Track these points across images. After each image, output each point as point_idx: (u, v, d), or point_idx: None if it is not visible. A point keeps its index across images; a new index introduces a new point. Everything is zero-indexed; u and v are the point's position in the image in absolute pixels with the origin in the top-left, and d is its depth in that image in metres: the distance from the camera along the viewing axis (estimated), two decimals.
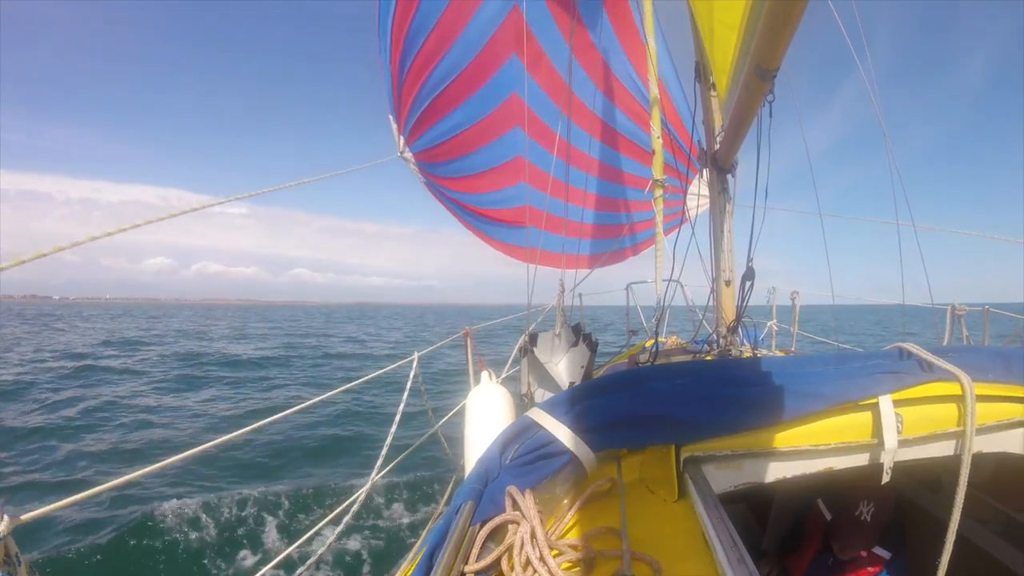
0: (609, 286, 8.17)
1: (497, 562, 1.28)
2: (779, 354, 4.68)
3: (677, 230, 6.48)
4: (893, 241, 3.90)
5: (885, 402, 1.65)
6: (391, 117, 5.45)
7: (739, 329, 3.99)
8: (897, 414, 1.66)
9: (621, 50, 6.70)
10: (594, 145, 7.18)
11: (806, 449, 1.66)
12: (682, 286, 5.79)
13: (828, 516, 2.43)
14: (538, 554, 1.24)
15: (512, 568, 1.25)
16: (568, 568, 1.28)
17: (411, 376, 3.51)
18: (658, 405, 1.70)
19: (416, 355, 3.68)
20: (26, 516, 1.27)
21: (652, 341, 5.52)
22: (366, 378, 3.32)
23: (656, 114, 6.93)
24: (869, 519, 2.23)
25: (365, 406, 10.59)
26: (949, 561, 1.65)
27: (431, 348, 4.19)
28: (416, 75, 5.26)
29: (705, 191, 5.49)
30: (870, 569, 2.23)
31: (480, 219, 7.07)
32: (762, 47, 1.75)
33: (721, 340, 3.91)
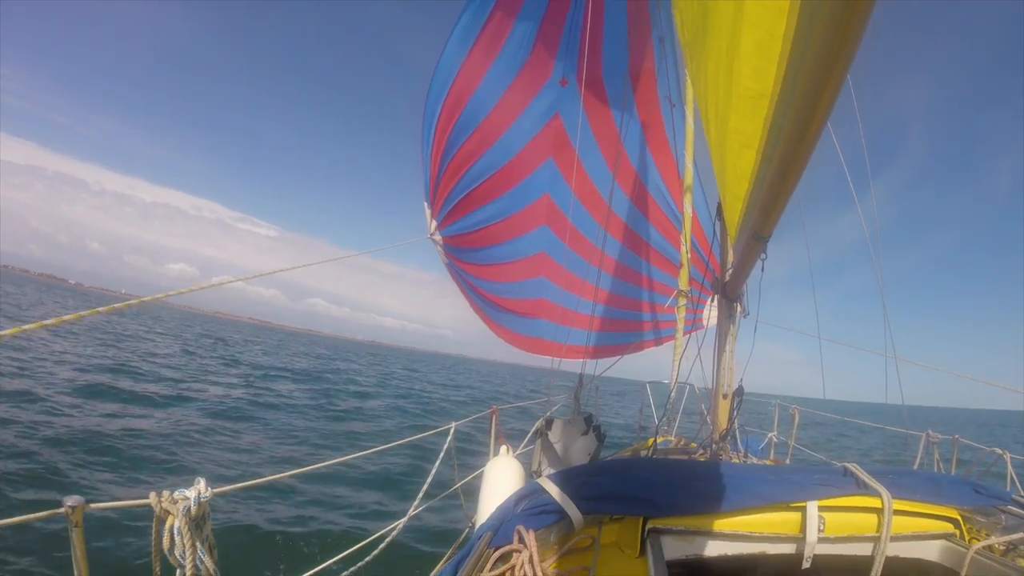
0: (622, 363, 8.70)
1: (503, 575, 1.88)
2: (768, 463, 5.20)
3: (693, 335, 6.96)
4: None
5: (812, 506, 2.17)
6: (425, 203, 6.07)
7: (731, 437, 4.63)
8: (821, 517, 2.18)
9: (656, 168, 7.40)
10: (618, 248, 7.73)
11: (744, 535, 2.18)
12: (696, 388, 6.57)
13: None
14: (533, 573, 1.84)
15: None
16: None
17: (447, 444, 4.21)
18: (634, 488, 2.24)
19: (453, 425, 4.33)
20: (220, 489, 1.78)
21: (660, 439, 6.28)
22: (405, 440, 4.14)
23: (687, 231, 7.54)
24: None
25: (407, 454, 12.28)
26: None
27: (465, 420, 4.94)
28: (456, 169, 5.91)
29: None
30: None
31: (493, 306, 7.55)
32: (758, 220, 2.23)
33: (714, 446, 4.45)
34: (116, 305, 1.95)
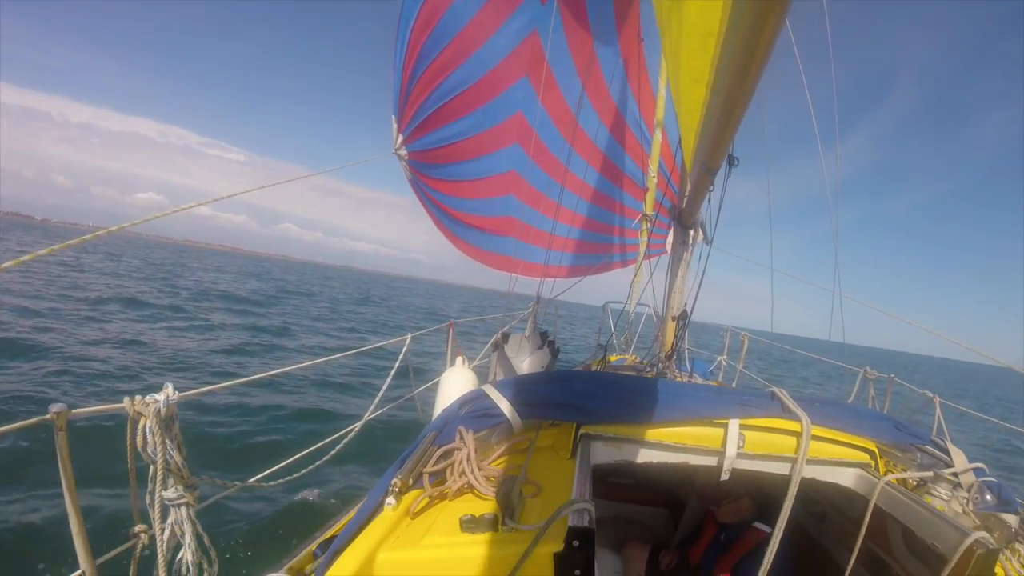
0: (590, 288, 9.06)
1: (443, 470, 2.10)
2: (713, 384, 5.56)
3: (656, 259, 7.17)
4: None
5: (733, 424, 2.38)
6: (393, 116, 5.91)
7: (677, 357, 4.95)
8: (741, 434, 2.39)
9: (632, 95, 7.33)
10: (591, 171, 7.78)
11: (669, 444, 2.40)
12: (652, 311, 6.97)
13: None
14: (471, 469, 2.05)
15: (452, 474, 2.06)
16: (486, 479, 2.06)
17: (403, 352, 4.38)
18: (570, 396, 2.45)
19: (409, 336, 4.53)
20: (185, 393, 1.90)
21: (615, 357, 6.77)
22: (364, 348, 4.39)
23: (656, 156, 7.56)
24: (748, 501, 2.99)
25: (361, 367, 13.37)
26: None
27: (422, 332, 5.23)
28: (427, 82, 5.75)
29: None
30: (753, 541, 2.82)
31: (458, 223, 7.58)
32: (707, 152, 2.33)
33: (660, 365, 4.77)
34: (71, 241, 1.98)
